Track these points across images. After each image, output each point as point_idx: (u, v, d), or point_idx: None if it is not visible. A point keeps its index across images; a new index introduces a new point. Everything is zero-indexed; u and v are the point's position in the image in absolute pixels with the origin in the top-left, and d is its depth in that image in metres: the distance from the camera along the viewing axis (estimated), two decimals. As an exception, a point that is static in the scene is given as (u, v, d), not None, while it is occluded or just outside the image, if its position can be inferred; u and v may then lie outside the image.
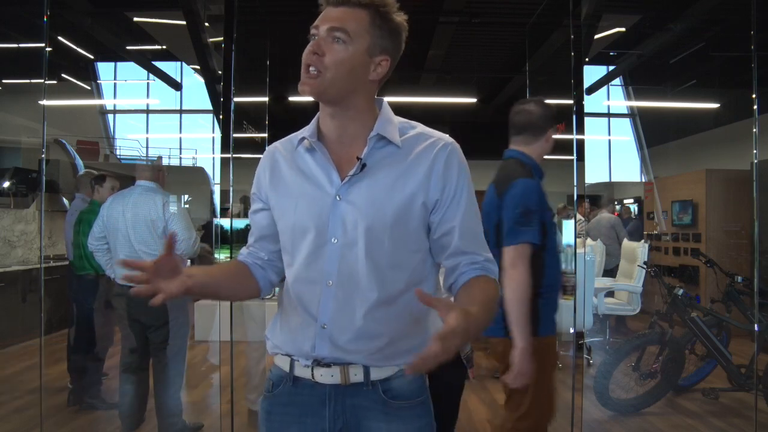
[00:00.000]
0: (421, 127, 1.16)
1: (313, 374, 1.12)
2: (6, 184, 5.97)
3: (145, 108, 11.85)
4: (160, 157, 9.76)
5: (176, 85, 9.27)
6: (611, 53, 7.87)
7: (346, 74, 1.06)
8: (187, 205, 7.04)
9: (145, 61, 7.99)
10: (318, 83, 1.05)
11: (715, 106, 8.11)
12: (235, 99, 3.29)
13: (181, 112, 11.77)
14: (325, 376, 1.12)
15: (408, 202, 1.08)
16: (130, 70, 10.64)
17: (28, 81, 6.34)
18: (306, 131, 1.15)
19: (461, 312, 0.88)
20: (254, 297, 1.25)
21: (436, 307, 0.91)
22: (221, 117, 3.46)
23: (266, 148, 1.25)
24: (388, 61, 1.11)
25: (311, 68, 1.05)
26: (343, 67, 1.05)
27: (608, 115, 12.11)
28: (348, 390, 1.11)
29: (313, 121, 1.16)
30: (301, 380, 1.15)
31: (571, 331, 3.68)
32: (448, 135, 1.15)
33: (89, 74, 9.35)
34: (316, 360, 1.11)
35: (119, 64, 10.30)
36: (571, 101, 3.51)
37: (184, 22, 5.77)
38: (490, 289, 1.10)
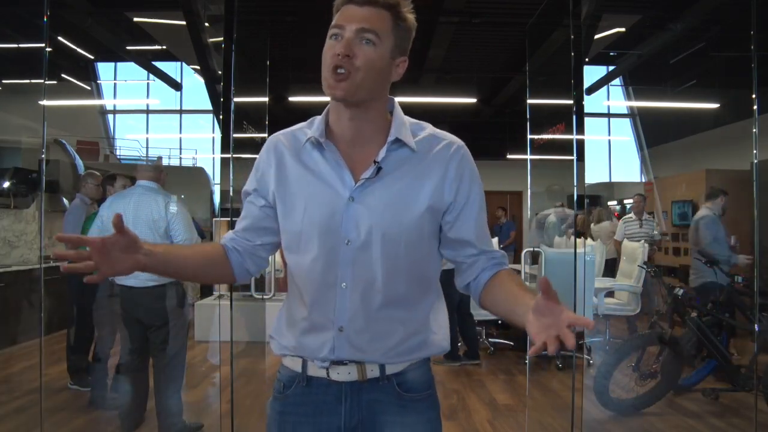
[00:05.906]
0: (430, 128, 1.16)
1: (328, 373, 1.13)
2: (6, 184, 5.96)
3: (145, 108, 11.85)
4: (160, 158, 9.77)
5: (176, 85, 9.28)
6: (611, 53, 7.88)
7: (375, 76, 1.05)
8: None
9: (145, 61, 8.00)
10: (349, 85, 1.03)
11: (715, 106, 8.10)
12: (235, 99, 3.28)
13: (181, 112, 11.77)
14: (342, 374, 1.12)
15: (423, 207, 1.09)
16: (130, 70, 10.64)
17: (28, 81, 6.34)
18: (312, 129, 1.12)
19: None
20: (226, 283, 1.24)
21: (554, 299, 0.90)
22: (221, 117, 3.46)
23: (267, 138, 1.21)
24: (405, 62, 1.11)
25: (340, 70, 1.02)
26: (373, 70, 1.04)
27: (608, 115, 12.11)
28: (364, 386, 1.12)
29: (320, 120, 1.13)
30: (315, 379, 1.15)
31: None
32: (454, 136, 1.16)
33: (89, 74, 9.35)
34: (333, 361, 1.12)
35: (119, 64, 10.31)
36: (571, 101, 3.50)
37: (184, 22, 5.77)
38: (519, 279, 1.16)
